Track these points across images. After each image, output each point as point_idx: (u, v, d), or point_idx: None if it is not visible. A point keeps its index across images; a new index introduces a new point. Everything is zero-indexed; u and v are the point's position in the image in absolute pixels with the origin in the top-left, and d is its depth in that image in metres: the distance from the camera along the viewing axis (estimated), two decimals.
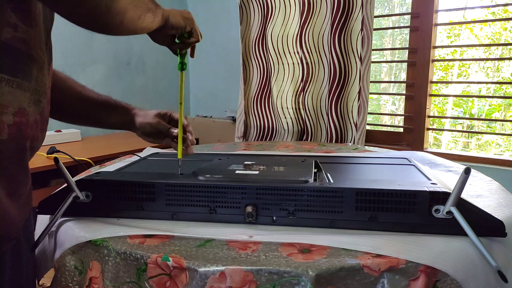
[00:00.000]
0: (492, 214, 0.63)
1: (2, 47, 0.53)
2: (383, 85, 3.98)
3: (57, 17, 0.67)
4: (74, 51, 2.11)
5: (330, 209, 0.66)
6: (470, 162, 1.71)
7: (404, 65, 2.37)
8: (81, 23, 0.55)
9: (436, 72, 3.73)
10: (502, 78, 3.72)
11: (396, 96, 3.98)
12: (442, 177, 0.88)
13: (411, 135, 1.94)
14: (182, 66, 0.80)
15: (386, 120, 3.74)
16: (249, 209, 0.68)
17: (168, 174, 0.78)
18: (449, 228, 0.62)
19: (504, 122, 3.64)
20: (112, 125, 0.89)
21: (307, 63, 1.94)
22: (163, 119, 0.88)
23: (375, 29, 1.87)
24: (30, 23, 0.57)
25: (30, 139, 0.60)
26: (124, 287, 0.61)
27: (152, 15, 0.63)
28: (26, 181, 0.63)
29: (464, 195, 0.62)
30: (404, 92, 1.99)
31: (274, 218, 0.68)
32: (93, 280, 0.64)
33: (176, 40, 0.76)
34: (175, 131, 0.85)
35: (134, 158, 1.15)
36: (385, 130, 2.17)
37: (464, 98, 3.90)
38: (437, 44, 1.87)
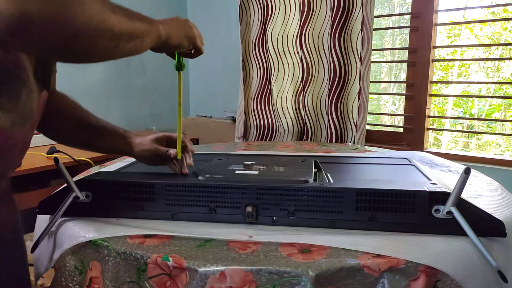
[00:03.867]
0: (492, 214, 0.63)
1: None
2: (383, 85, 3.98)
3: None
4: None
5: (330, 209, 0.66)
6: (470, 162, 1.71)
7: (404, 65, 2.37)
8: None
9: (436, 72, 3.73)
10: (502, 78, 3.71)
11: (396, 96, 3.98)
12: (442, 177, 0.88)
13: (411, 135, 1.94)
14: (180, 66, 0.79)
15: (386, 120, 3.74)
16: (249, 209, 0.68)
17: (168, 174, 0.78)
18: (449, 228, 0.62)
19: (504, 122, 3.64)
20: (108, 151, 0.88)
21: (307, 63, 1.94)
22: (160, 143, 0.85)
23: (375, 29, 1.87)
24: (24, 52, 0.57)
25: (4, 160, 0.59)
26: (125, 287, 0.61)
27: (140, 41, 0.58)
28: None
29: (464, 195, 0.62)
30: (404, 92, 1.99)
31: (274, 218, 0.68)
32: (93, 280, 0.64)
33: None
34: (173, 152, 0.83)
35: None
36: (385, 130, 2.17)
37: (464, 98, 3.90)
38: (437, 44, 1.87)
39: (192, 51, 0.74)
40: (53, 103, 0.74)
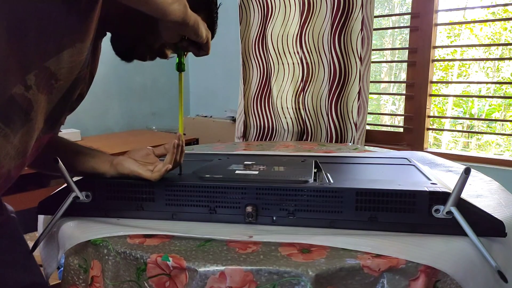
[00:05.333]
0: (492, 214, 0.63)
1: (9, 99, 0.56)
2: (383, 85, 3.98)
3: None
4: None
5: (330, 209, 0.66)
6: (470, 162, 1.71)
7: (404, 65, 2.37)
8: None
9: (436, 72, 3.73)
10: (502, 78, 3.71)
11: (396, 96, 3.98)
12: (442, 177, 0.88)
13: (411, 135, 1.94)
14: (181, 67, 0.78)
15: (386, 120, 3.74)
16: (249, 209, 0.68)
17: (168, 174, 0.78)
18: (449, 228, 0.62)
19: (504, 122, 3.64)
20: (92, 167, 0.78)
21: (307, 63, 1.94)
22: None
23: (375, 29, 1.87)
24: (43, 91, 0.60)
25: None
26: (124, 286, 0.61)
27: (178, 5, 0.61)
28: None
29: (464, 195, 0.62)
30: (404, 92, 1.99)
31: (274, 218, 0.68)
32: (95, 279, 0.64)
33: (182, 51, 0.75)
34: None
35: None
36: (385, 130, 2.17)
37: (464, 98, 3.90)
38: (437, 44, 1.87)
39: (199, 50, 0.74)
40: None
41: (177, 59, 0.77)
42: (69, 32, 0.59)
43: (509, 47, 3.24)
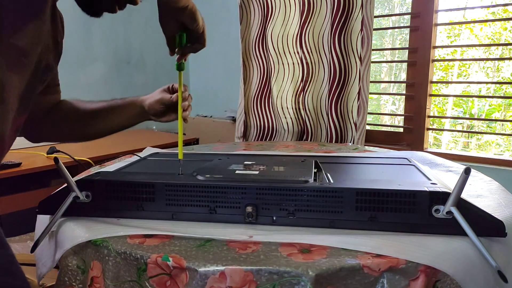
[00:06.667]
0: (492, 214, 0.63)
1: None
2: (383, 85, 3.98)
3: None
4: (74, 50, 2.11)
5: (330, 209, 0.66)
6: (470, 162, 1.71)
7: (404, 65, 2.37)
8: None
9: (436, 72, 3.72)
10: (502, 78, 3.71)
11: (396, 96, 3.98)
12: (442, 177, 0.88)
13: (411, 135, 1.94)
14: (180, 66, 0.79)
15: (386, 120, 3.74)
16: (249, 209, 0.68)
17: (168, 174, 0.78)
18: (449, 228, 0.62)
19: (504, 122, 3.64)
20: (126, 125, 0.95)
21: (307, 63, 1.94)
22: (167, 92, 0.97)
23: (375, 29, 1.87)
24: (13, 69, 0.59)
25: None
26: (125, 286, 0.61)
27: None
28: None
29: (464, 195, 0.62)
30: (404, 92, 1.99)
31: (274, 218, 0.68)
32: (95, 279, 0.64)
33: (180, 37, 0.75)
34: (175, 97, 0.95)
35: (134, 158, 1.15)
36: (385, 130, 2.17)
37: (464, 98, 3.90)
38: (437, 44, 1.87)
39: (194, 44, 0.76)
40: (60, 111, 0.75)
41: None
42: (37, 2, 0.58)
43: (509, 47, 3.24)
